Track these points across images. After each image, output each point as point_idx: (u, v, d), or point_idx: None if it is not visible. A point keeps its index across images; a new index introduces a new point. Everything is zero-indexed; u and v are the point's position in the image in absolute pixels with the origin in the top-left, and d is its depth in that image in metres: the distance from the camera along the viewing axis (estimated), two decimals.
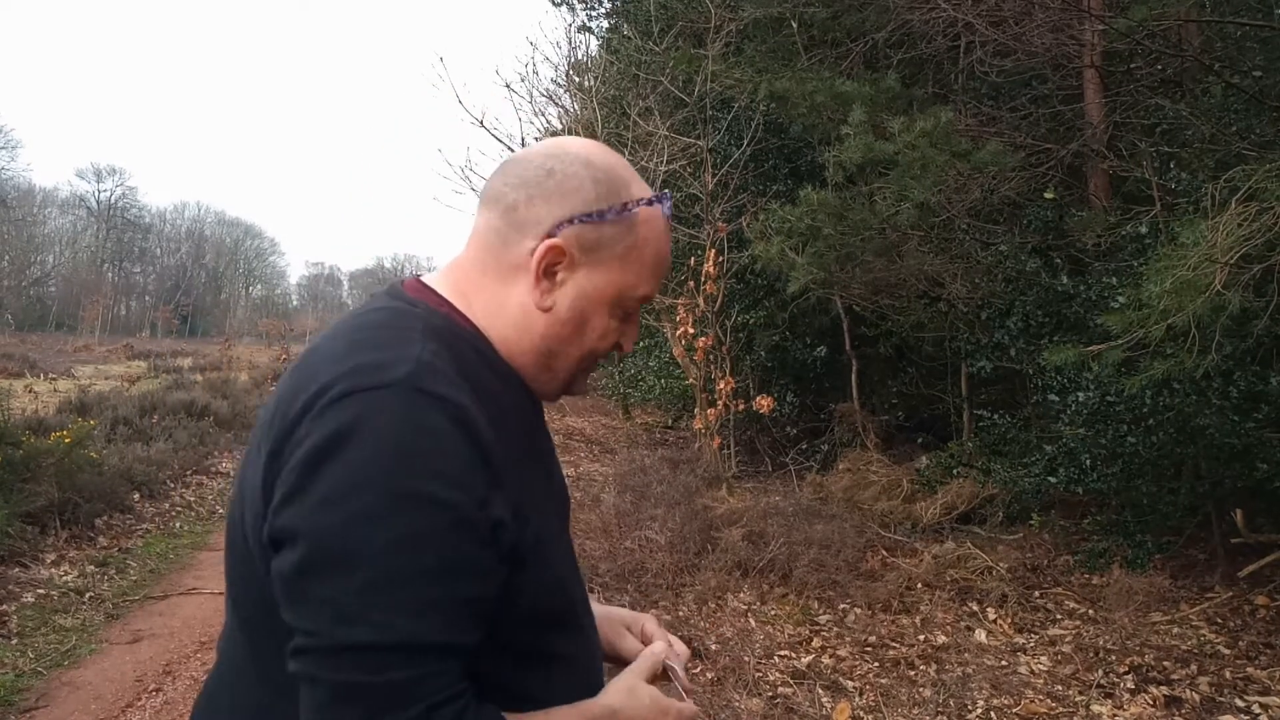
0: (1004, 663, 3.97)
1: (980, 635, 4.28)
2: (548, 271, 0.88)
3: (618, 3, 10.92)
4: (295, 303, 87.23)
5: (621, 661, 1.02)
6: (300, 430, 0.76)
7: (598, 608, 1.07)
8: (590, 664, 0.95)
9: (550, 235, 0.87)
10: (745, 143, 7.74)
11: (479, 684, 0.78)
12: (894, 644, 4.15)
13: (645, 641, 1.04)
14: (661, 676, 0.98)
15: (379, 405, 0.74)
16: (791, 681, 3.71)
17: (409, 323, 0.84)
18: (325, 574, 0.71)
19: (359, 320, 0.86)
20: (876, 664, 3.94)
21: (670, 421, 12.04)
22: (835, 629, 4.37)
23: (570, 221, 0.87)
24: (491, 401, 0.82)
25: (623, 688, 0.92)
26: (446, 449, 0.74)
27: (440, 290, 0.91)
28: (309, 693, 0.72)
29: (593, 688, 0.91)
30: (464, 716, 0.73)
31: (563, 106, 11.05)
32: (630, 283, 0.90)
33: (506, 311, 0.90)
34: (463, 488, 0.74)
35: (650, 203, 0.91)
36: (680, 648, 1.02)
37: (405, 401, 0.75)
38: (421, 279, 0.94)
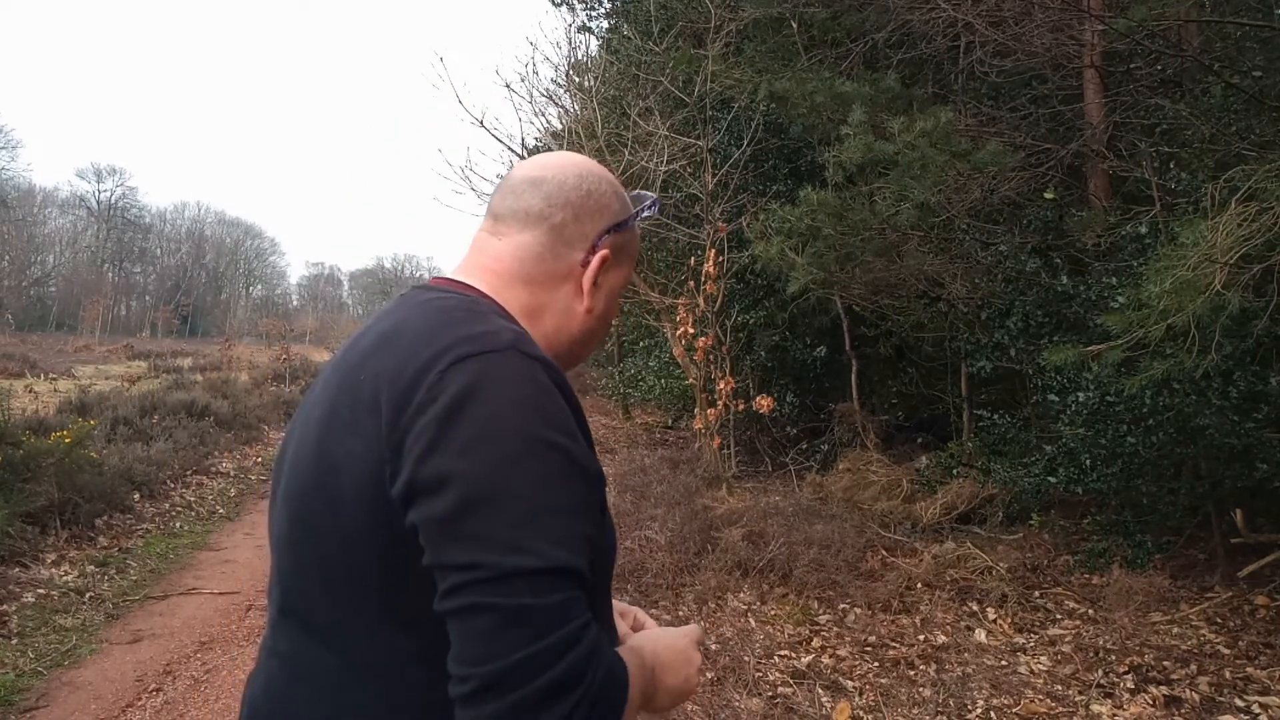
0: (1004, 663, 3.97)
1: (980, 635, 4.28)
2: (596, 278, 1.03)
3: (618, 3, 10.92)
4: (295, 303, 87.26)
5: None
6: (419, 395, 0.82)
7: None
8: (612, 621, 1.03)
9: (595, 247, 1.02)
10: (745, 143, 7.74)
11: None
12: (894, 644, 4.15)
13: (637, 628, 1.13)
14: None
15: (497, 365, 0.84)
16: (791, 681, 3.71)
17: (482, 307, 0.95)
18: (481, 511, 0.78)
19: (434, 305, 0.94)
20: (876, 664, 3.94)
21: (670, 421, 12.04)
22: (835, 629, 4.37)
23: (608, 232, 1.03)
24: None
25: (648, 634, 1.02)
26: (559, 404, 0.85)
27: (477, 286, 1.01)
28: (470, 623, 0.76)
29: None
30: (603, 639, 0.81)
31: (563, 106, 11.04)
32: (629, 273, 1.09)
33: (549, 313, 1.02)
34: (575, 438, 0.84)
35: (651, 209, 1.10)
36: None
37: (519, 362, 0.85)
38: (452, 278, 1.03)
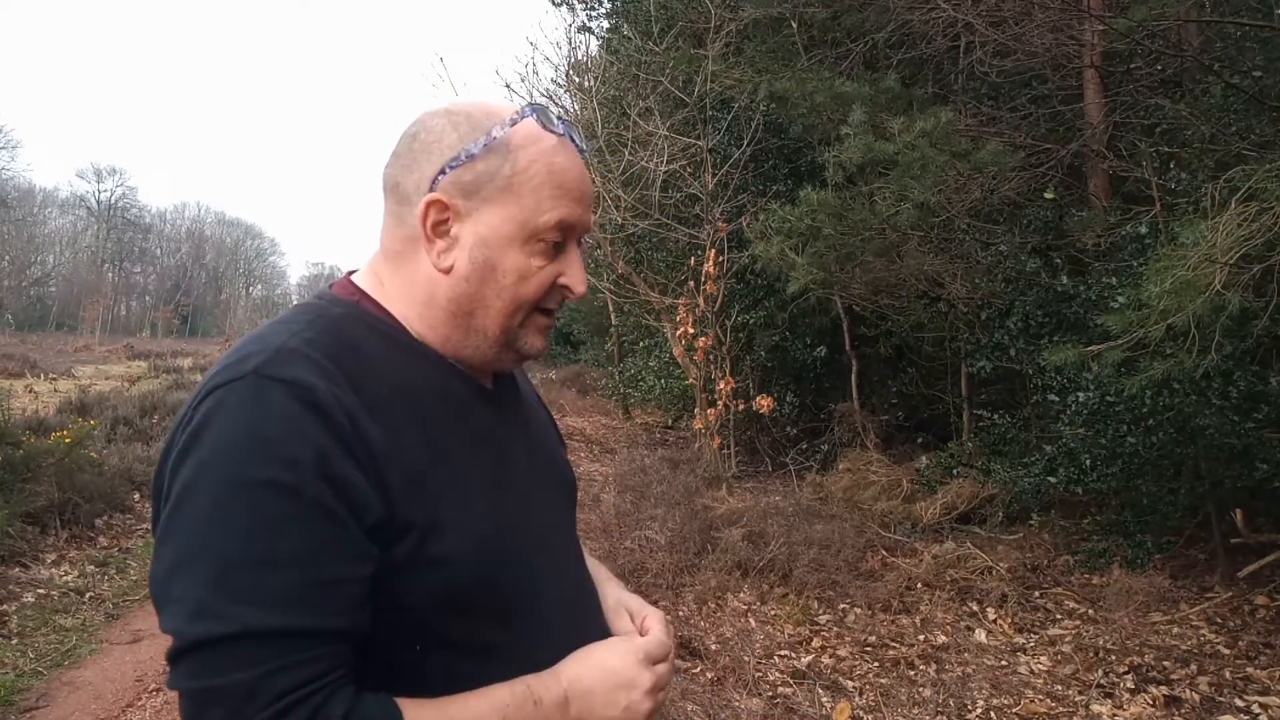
0: (1004, 663, 3.97)
1: (980, 635, 4.28)
2: (436, 230, 0.86)
3: (618, 3, 10.92)
4: (295, 303, 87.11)
5: None
6: (179, 438, 0.77)
7: (616, 593, 1.04)
8: (554, 648, 0.88)
9: (430, 194, 0.85)
10: (745, 143, 7.74)
11: (398, 675, 0.77)
12: (894, 644, 4.15)
13: (643, 632, 0.98)
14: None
15: (227, 398, 0.74)
16: (791, 681, 3.71)
17: (300, 315, 0.84)
18: (177, 573, 0.71)
19: (270, 320, 0.87)
20: (876, 664, 3.94)
21: (670, 421, 12.03)
22: (835, 629, 4.37)
23: (442, 173, 0.85)
24: (384, 384, 0.80)
25: (580, 654, 0.87)
26: (290, 431, 0.73)
27: (359, 282, 0.91)
28: (180, 705, 0.70)
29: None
30: (329, 707, 0.70)
31: (563, 106, 11.04)
32: (530, 210, 0.85)
33: (416, 288, 0.88)
34: (308, 468, 0.72)
35: (516, 120, 0.87)
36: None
37: (252, 390, 0.74)
38: (350, 275, 0.94)
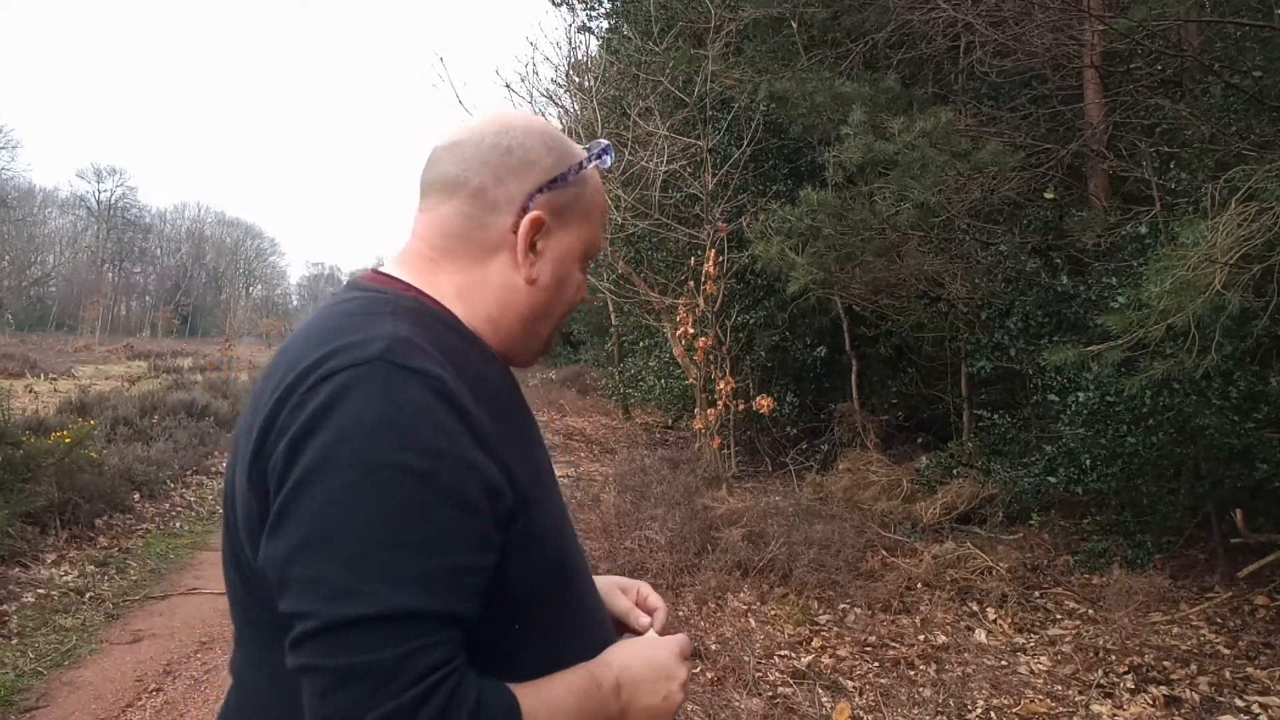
0: (1004, 663, 3.97)
1: (980, 635, 4.28)
2: (532, 244, 0.91)
3: (618, 3, 10.92)
4: (295, 303, 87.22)
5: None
6: (280, 421, 0.75)
7: (599, 578, 1.10)
8: (598, 629, 0.95)
9: (525, 209, 0.90)
10: (745, 143, 7.74)
11: (482, 657, 0.78)
12: (894, 644, 4.15)
13: (642, 604, 1.07)
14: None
15: (354, 383, 0.74)
16: (791, 681, 3.71)
17: (379, 307, 0.84)
18: (312, 553, 0.71)
19: (329, 311, 0.86)
20: (876, 664, 3.94)
21: (670, 421, 12.04)
22: (835, 629, 4.37)
23: (540, 191, 0.91)
24: (474, 375, 0.83)
25: (625, 645, 0.93)
26: (426, 420, 0.74)
27: (402, 278, 0.92)
28: (309, 684, 0.70)
29: (602, 643, 0.93)
30: (463, 689, 0.71)
31: (563, 106, 11.06)
32: (591, 235, 0.96)
33: (486, 290, 0.91)
34: (444, 457, 0.74)
35: (593, 158, 0.96)
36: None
37: (381, 376, 0.75)
38: (379, 270, 0.94)
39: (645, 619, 1.05)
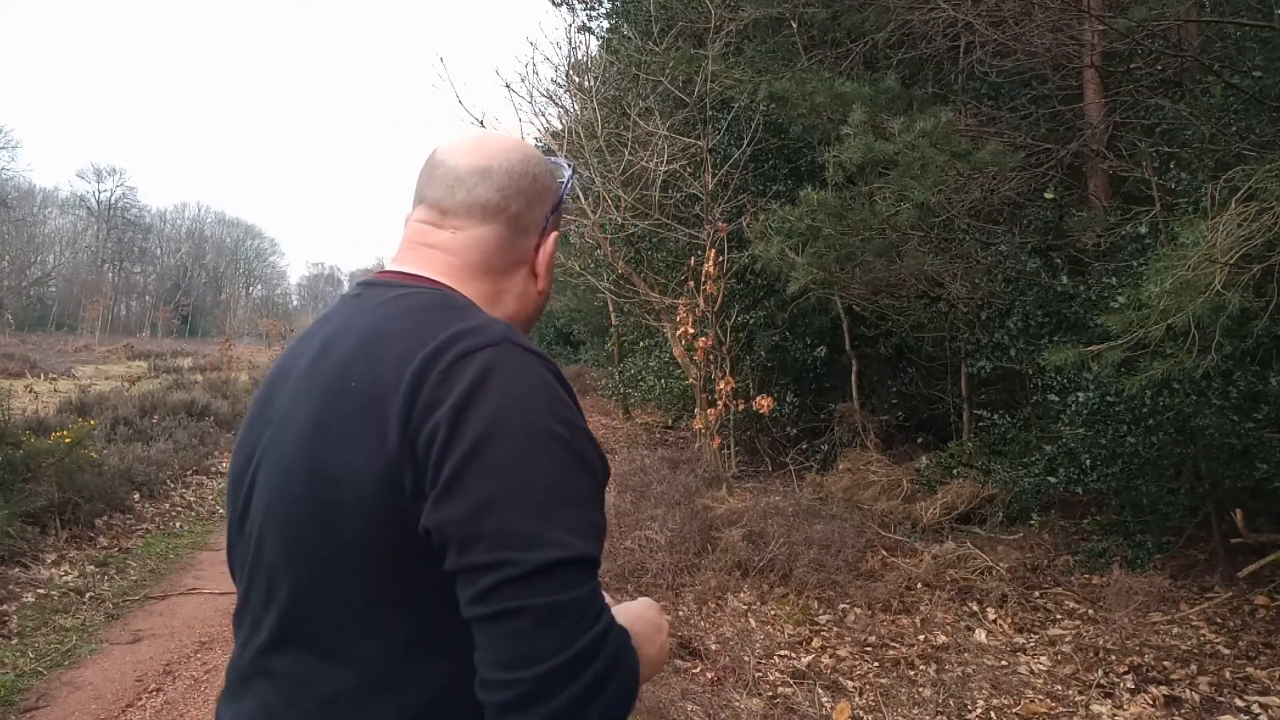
0: (1004, 663, 3.97)
1: (980, 635, 4.28)
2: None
3: (618, 3, 10.91)
4: (295, 303, 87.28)
5: None
6: (424, 396, 0.81)
7: None
8: None
9: (545, 230, 1.04)
10: (745, 143, 7.74)
11: None
12: (894, 644, 4.15)
13: None
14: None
15: (496, 360, 0.83)
16: (791, 681, 3.71)
17: (457, 300, 0.95)
18: (499, 508, 0.77)
19: (408, 303, 0.92)
20: (876, 664, 3.94)
21: (670, 421, 12.03)
22: (835, 629, 4.37)
23: (552, 212, 1.06)
24: None
25: (622, 608, 1.00)
26: (559, 395, 0.86)
27: (439, 280, 0.98)
28: (504, 625, 0.75)
29: None
30: (613, 621, 0.81)
31: (563, 106, 11.03)
32: (555, 239, 1.08)
33: (509, 297, 1.03)
34: (575, 429, 0.84)
35: (568, 180, 1.12)
36: None
37: (517, 355, 0.85)
38: (408, 271, 0.99)
39: None
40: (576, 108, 10.25)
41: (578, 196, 7.91)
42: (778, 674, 3.79)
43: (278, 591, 0.87)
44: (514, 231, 1.01)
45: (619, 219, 8.04)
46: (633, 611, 1.00)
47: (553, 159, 1.09)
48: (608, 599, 1.11)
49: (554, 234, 1.05)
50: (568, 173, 1.12)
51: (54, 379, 15.73)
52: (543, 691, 0.73)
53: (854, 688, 3.70)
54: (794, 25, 7.35)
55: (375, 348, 0.86)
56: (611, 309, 12.28)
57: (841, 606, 4.64)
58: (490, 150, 1.02)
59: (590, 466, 0.84)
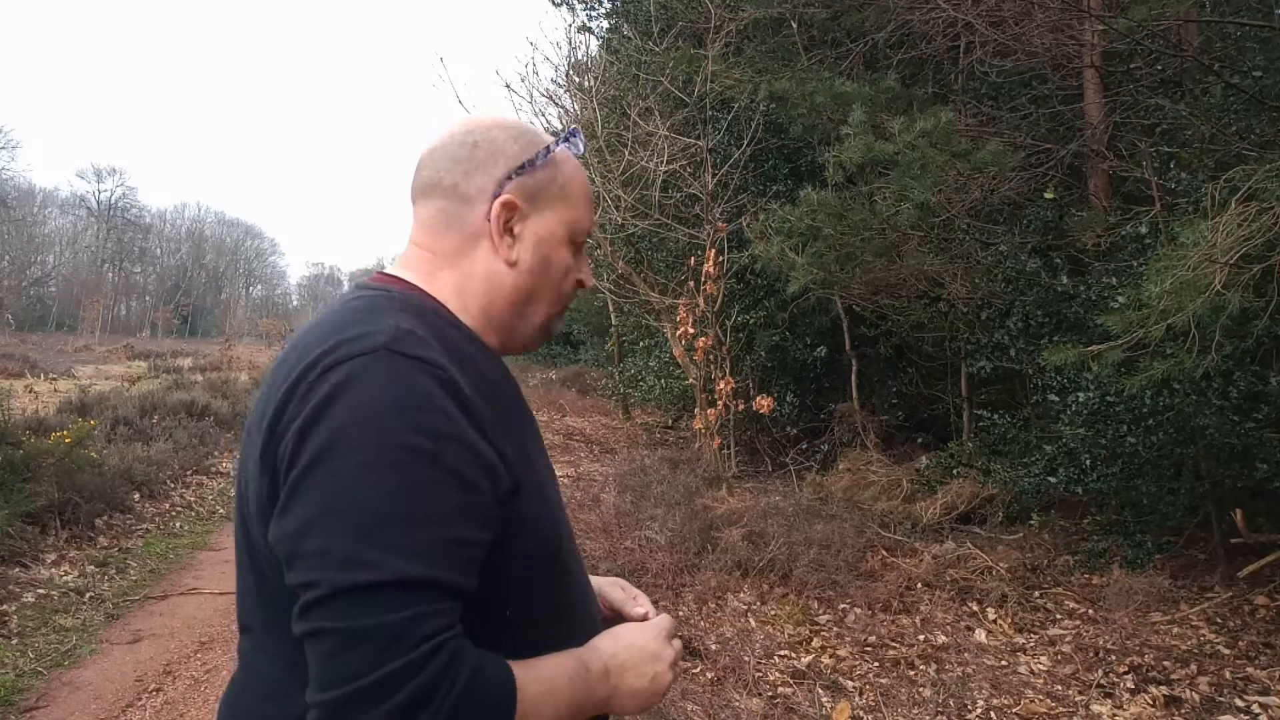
0: (1004, 663, 3.97)
1: (980, 635, 4.28)
2: (506, 228, 0.96)
3: (618, 3, 10.91)
4: (295, 303, 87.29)
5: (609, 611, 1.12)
6: (291, 408, 0.80)
7: (596, 579, 1.15)
8: (590, 625, 0.98)
9: (497, 195, 0.95)
10: (745, 143, 7.74)
11: (476, 641, 0.81)
12: (894, 644, 4.15)
13: (634, 601, 1.13)
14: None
15: (361, 370, 0.80)
16: (791, 681, 3.71)
17: (384, 303, 0.90)
18: (322, 526, 0.75)
19: (338, 308, 0.91)
20: (876, 664, 3.94)
21: (670, 421, 12.03)
22: (835, 629, 4.37)
23: (509, 178, 0.95)
24: (471, 368, 0.88)
25: (611, 634, 0.95)
26: (430, 405, 0.79)
27: (405, 278, 0.97)
28: (316, 648, 0.73)
29: (590, 635, 0.96)
30: (463, 655, 0.75)
31: (563, 106, 11.04)
32: (574, 216, 0.99)
33: (473, 282, 0.96)
34: (447, 439, 0.79)
35: (561, 142, 1.01)
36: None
37: (387, 364, 0.80)
38: (384, 271, 1.00)
39: (641, 609, 1.09)
40: (576, 108, 10.25)
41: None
42: (778, 674, 3.79)
43: (239, 582, 0.93)
44: (453, 202, 0.95)
45: (619, 219, 8.04)
46: (624, 639, 0.94)
47: (570, 131, 1.03)
48: (637, 604, 1.10)
49: (504, 198, 0.94)
50: (563, 135, 1.03)
51: (54, 379, 15.72)
52: (353, 705, 0.71)
53: (854, 688, 3.70)
54: (794, 25, 7.35)
55: (289, 353, 0.88)
56: (611, 309, 12.28)
57: (841, 606, 4.64)
58: (443, 128, 0.99)
59: (462, 480, 0.78)
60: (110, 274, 67.47)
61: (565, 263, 0.99)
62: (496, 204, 0.94)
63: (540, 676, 0.82)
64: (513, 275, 0.96)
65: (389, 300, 0.91)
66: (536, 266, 0.97)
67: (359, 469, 0.76)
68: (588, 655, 0.90)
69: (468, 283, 0.96)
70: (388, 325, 0.84)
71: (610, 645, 0.93)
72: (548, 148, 0.99)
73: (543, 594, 0.91)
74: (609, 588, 1.13)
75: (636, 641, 0.94)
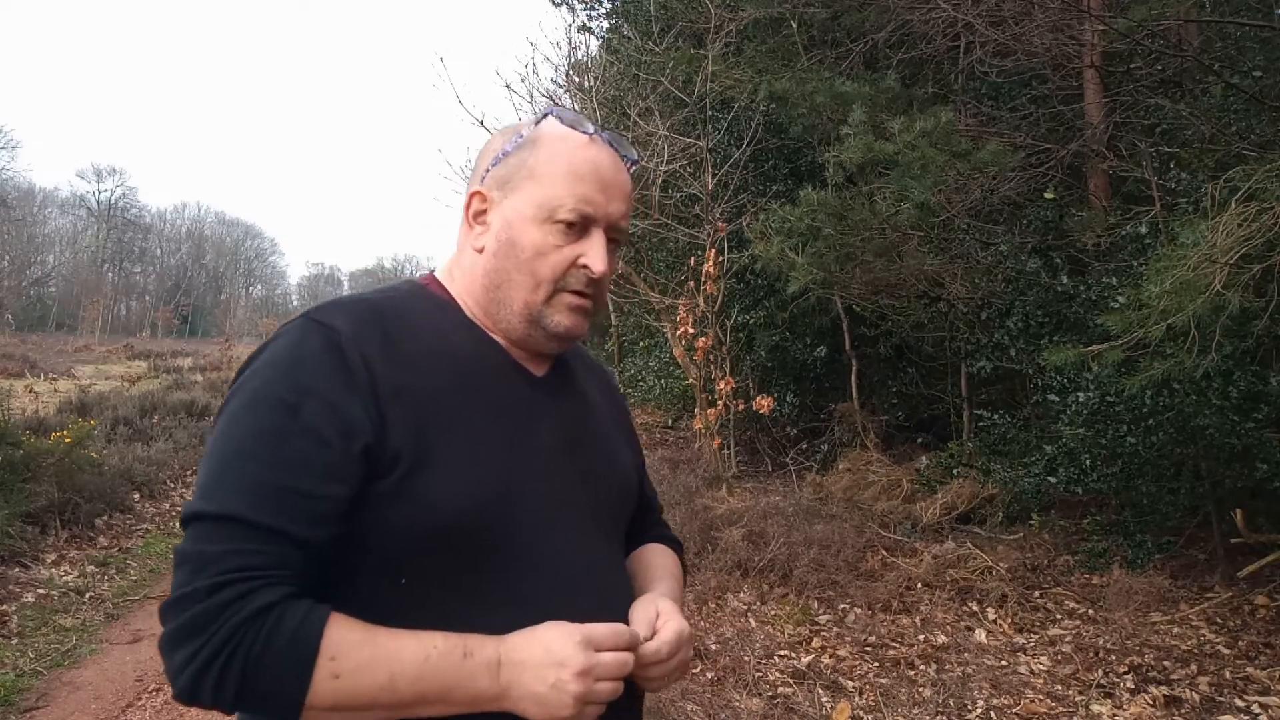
0: (1004, 663, 3.97)
1: (980, 635, 4.28)
2: (477, 218, 1.02)
3: (618, 3, 10.91)
4: (295, 303, 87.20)
5: None
6: None
7: (664, 590, 1.05)
8: (535, 607, 0.90)
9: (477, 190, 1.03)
10: (745, 143, 7.73)
11: (382, 607, 0.85)
12: (894, 644, 4.15)
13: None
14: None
15: (281, 334, 0.92)
16: (791, 681, 3.71)
17: (382, 287, 1.03)
18: (204, 459, 0.87)
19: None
20: (876, 664, 3.94)
21: (670, 421, 12.02)
22: (835, 629, 4.37)
23: (487, 171, 1.02)
24: (419, 342, 0.94)
25: (530, 630, 0.87)
26: (307, 362, 0.87)
27: (438, 274, 1.08)
28: None
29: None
30: (260, 593, 0.79)
31: (563, 107, 11.05)
32: (544, 194, 0.97)
33: (461, 271, 1.04)
34: (311, 395, 0.85)
35: (539, 119, 1.02)
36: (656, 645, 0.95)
37: (297, 328, 0.91)
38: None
39: (640, 630, 0.94)
40: (577, 108, 10.25)
41: None
42: (778, 674, 3.79)
43: None
44: (463, 209, 1.05)
45: None
46: (535, 636, 0.86)
47: (550, 109, 1.03)
48: (665, 623, 0.94)
49: (470, 190, 1.02)
50: (542, 114, 1.04)
51: (54, 379, 15.71)
52: (161, 617, 0.81)
53: (854, 688, 3.70)
54: (794, 25, 7.35)
55: None
56: (611, 309, 12.27)
57: (841, 606, 4.64)
58: None
59: (317, 435, 0.83)
60: (110, 274, 67.46)
61: (536, 244, 0.96)
62: (465, 196, 1.04)
63: (383, 644, 0.82)
64: (481, 260, 1.00)
65: (391, 284, 1.04)
66: (501, 250, 0.98)
67: (236, 412, 0.86)
68: (478, 642, 0.85)
69: (458, 272, 1.04)
70: (342, 300, 0.96)
71: (519, 640, 0.86)
72: (519, 133, 1.02)
73: (452, 570, 0.88)
74: (643, 604, 0.99)
75: (545, 641, 0.86)
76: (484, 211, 1.01)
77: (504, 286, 0.99)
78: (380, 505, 0.86)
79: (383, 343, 0.90)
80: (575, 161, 0.98)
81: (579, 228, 0.97)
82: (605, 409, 1.16)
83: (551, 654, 0.85)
